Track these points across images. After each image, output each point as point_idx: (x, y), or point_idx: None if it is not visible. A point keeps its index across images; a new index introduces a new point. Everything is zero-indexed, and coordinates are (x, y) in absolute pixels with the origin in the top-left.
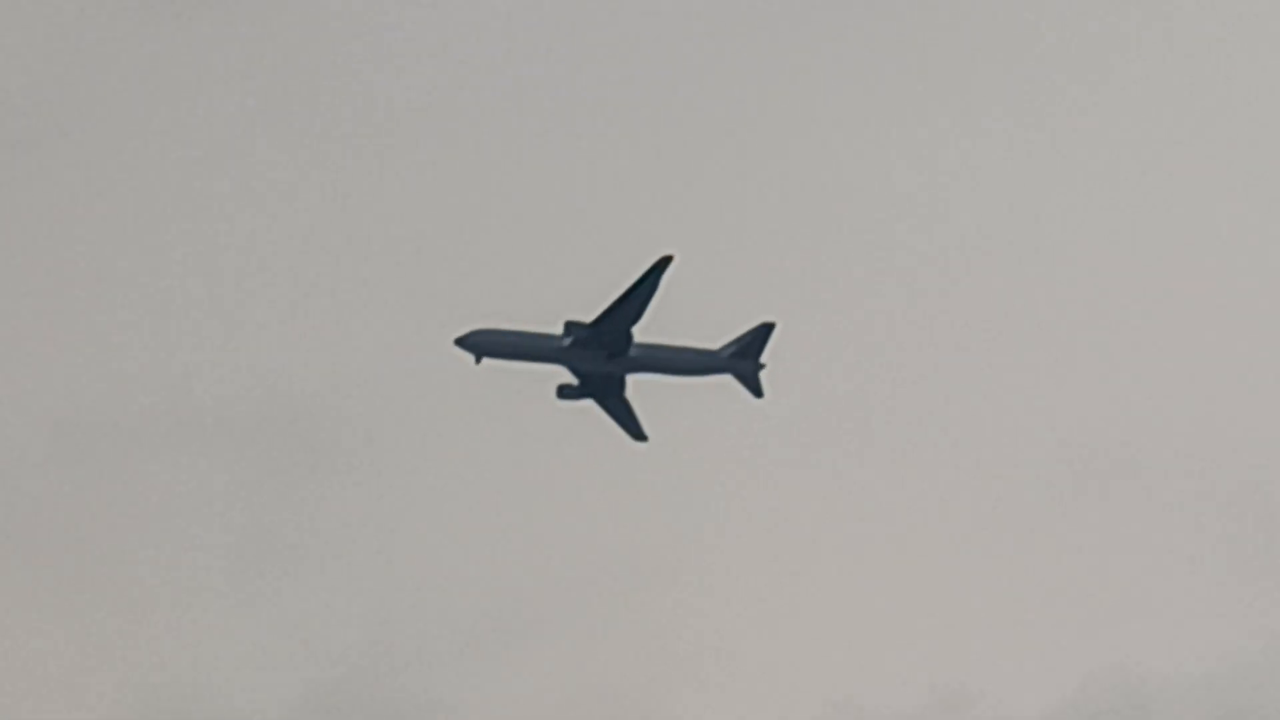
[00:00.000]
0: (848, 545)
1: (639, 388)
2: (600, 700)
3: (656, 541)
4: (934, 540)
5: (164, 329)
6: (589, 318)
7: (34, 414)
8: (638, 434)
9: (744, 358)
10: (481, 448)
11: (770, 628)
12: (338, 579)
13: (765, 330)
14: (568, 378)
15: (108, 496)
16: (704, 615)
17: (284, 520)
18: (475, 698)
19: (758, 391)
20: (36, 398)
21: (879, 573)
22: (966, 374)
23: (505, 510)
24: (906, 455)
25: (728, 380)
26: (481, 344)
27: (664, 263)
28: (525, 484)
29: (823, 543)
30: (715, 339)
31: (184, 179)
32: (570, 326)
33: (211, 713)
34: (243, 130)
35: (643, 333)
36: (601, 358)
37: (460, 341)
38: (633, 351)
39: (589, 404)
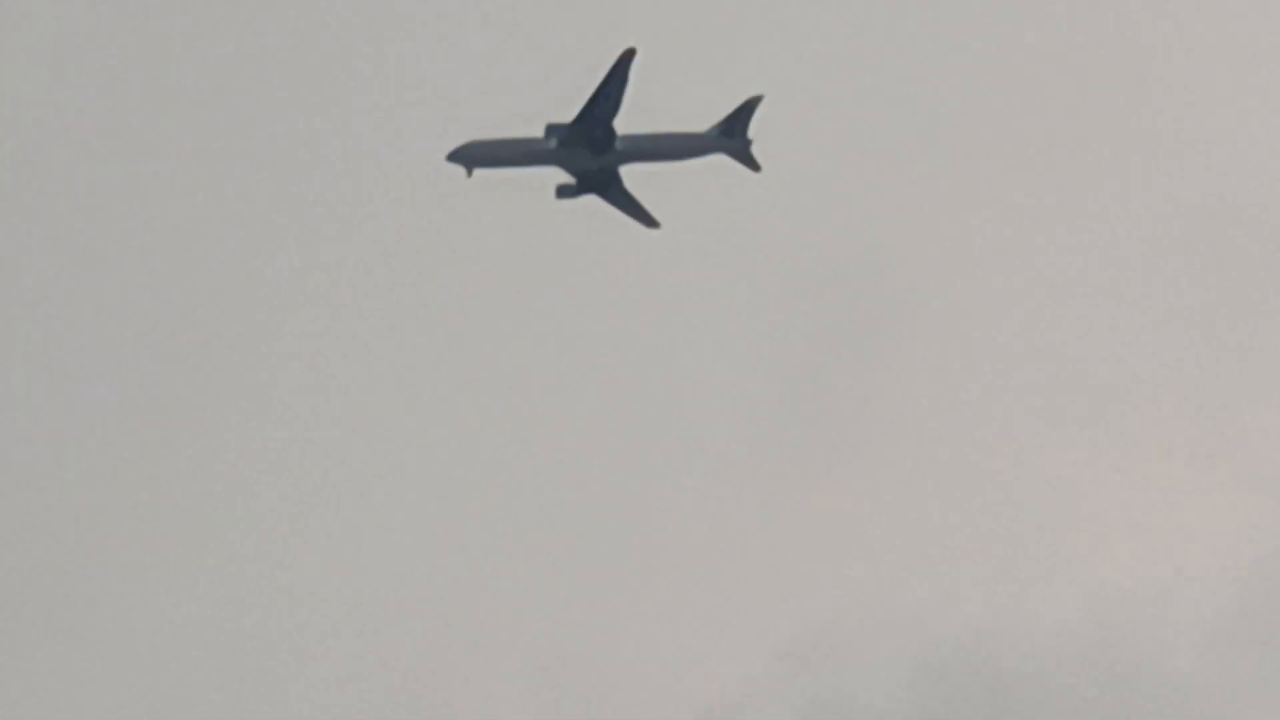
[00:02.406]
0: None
1: (640, 178)
2: None
3: None
4: None
5: None
6: (566, 118)
7: None
8: (649, 221)
9: (731, 135)
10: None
11: None
12: None
13: (751, 105)
14: (562, 178)
15: None
16: None
17: None
18: None
19: (754, 165)
20: None
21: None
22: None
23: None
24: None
25: (721, 160)
26: (472, 156)
27: (627, 55)
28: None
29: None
30: (706, 122)
31: None
32: (551, 129)
33: None
34: None
35: (634, 125)
36: (587, 155)
37: (452, 156)
38: (618, 144)
39: (592, 198)
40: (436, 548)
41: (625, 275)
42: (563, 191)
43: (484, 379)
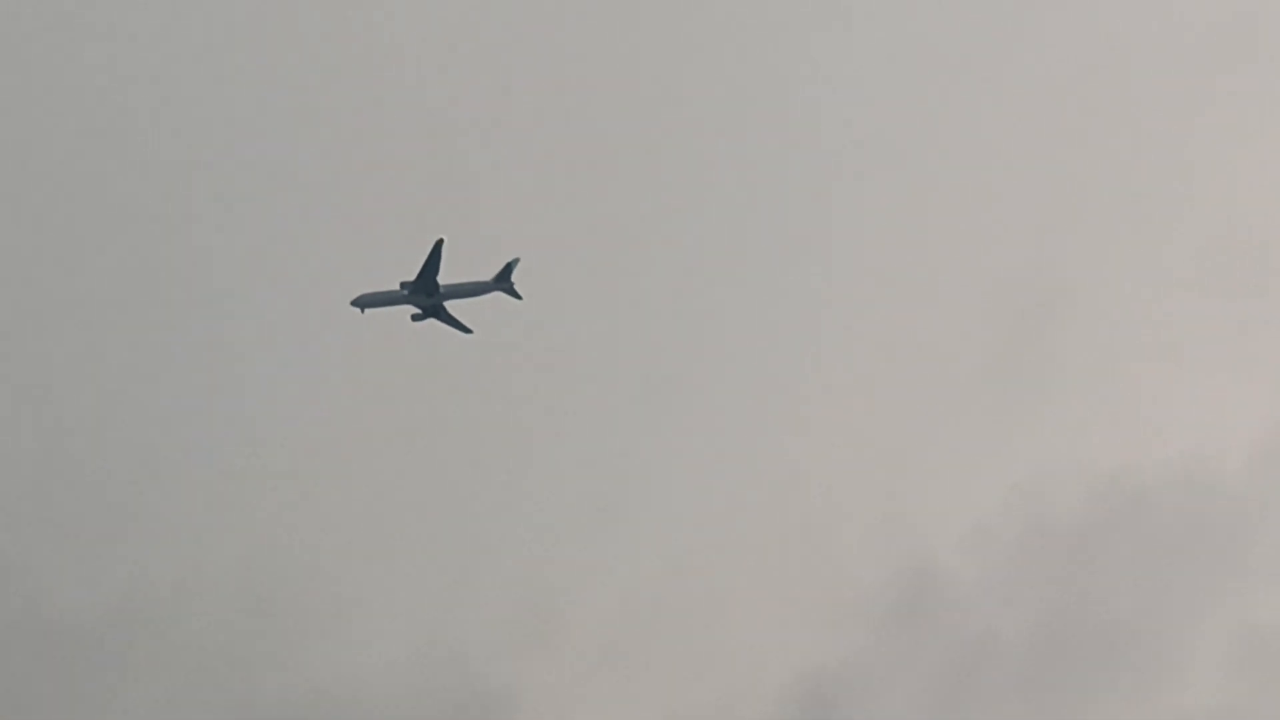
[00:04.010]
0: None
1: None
2: None
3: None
4: None
5: None
6: (411, 278)
7: None
8: (465, 329)
9: (503, 281)
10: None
11: None
12: None
13: (512, 264)
14: (412, 310)
15: None
16: None
17: None
18: None
19: (518, 296)
20: None
21: None
22: None
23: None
24: None
25: (499, 296)
26: (363, 301)
27: (439, 242)
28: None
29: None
30: (488, 274)
31: None
32: (403, 284)
33: None
34: None
35: (450, 277)
36: (424, 297)
37: (353, 302)
38: (441, 290)
39: (432, 321)
40: None
41: (454, 358)
42: (415, 317)
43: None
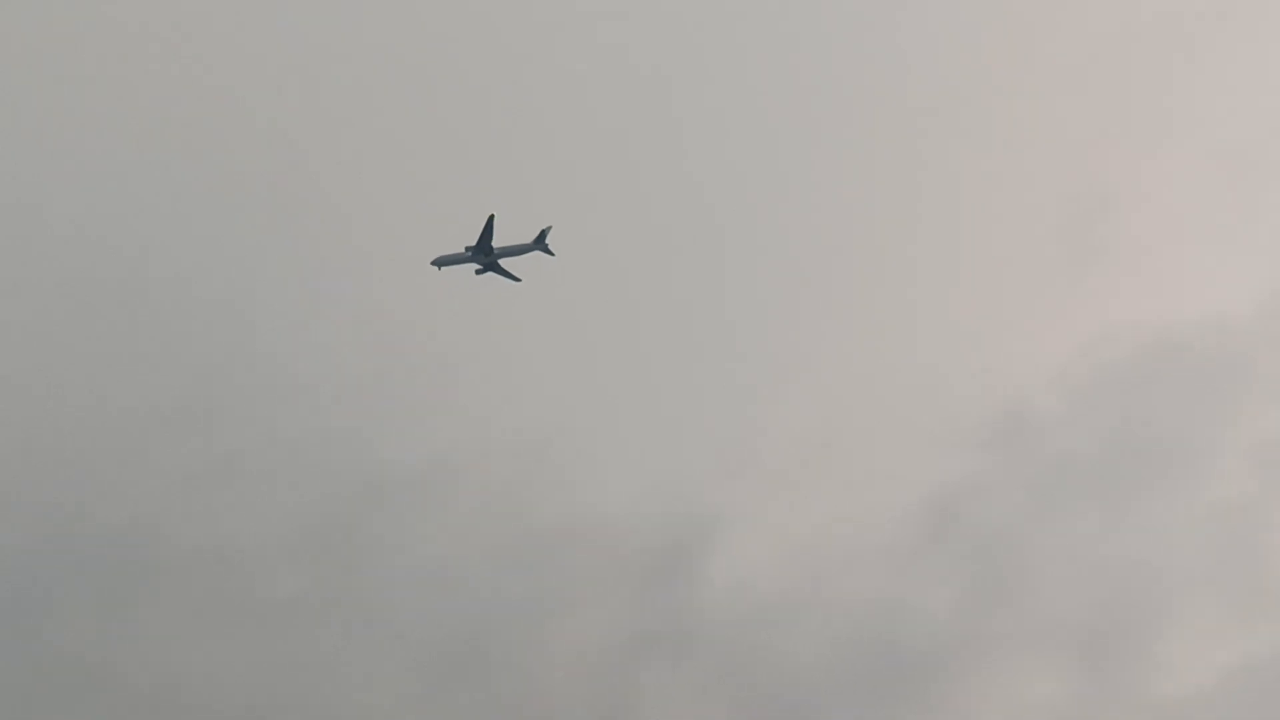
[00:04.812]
0: None
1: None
2: None
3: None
4: None
5: None
6: (473, 242)
7: None
8: (515, 279)
9: (539, 242)
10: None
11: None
12: None
13: (545, 230)
14: (475, 266)
15: None
16: None
17: None
18: None
19: (550, 253)
20: None
21: None
22: None
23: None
24: None
25: (538, 254)
26: (440, 260)
27: (491, 217)
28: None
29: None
30: (528, 237)
31: None
32: (467, 248)
33: None
34: None
35: (501, 240)
36: (483, 258)
37: (432, 262)
38: (495, 251)
39: (490, 274)
40: None
41: (508, 300)
42: (478, 272)
43: None
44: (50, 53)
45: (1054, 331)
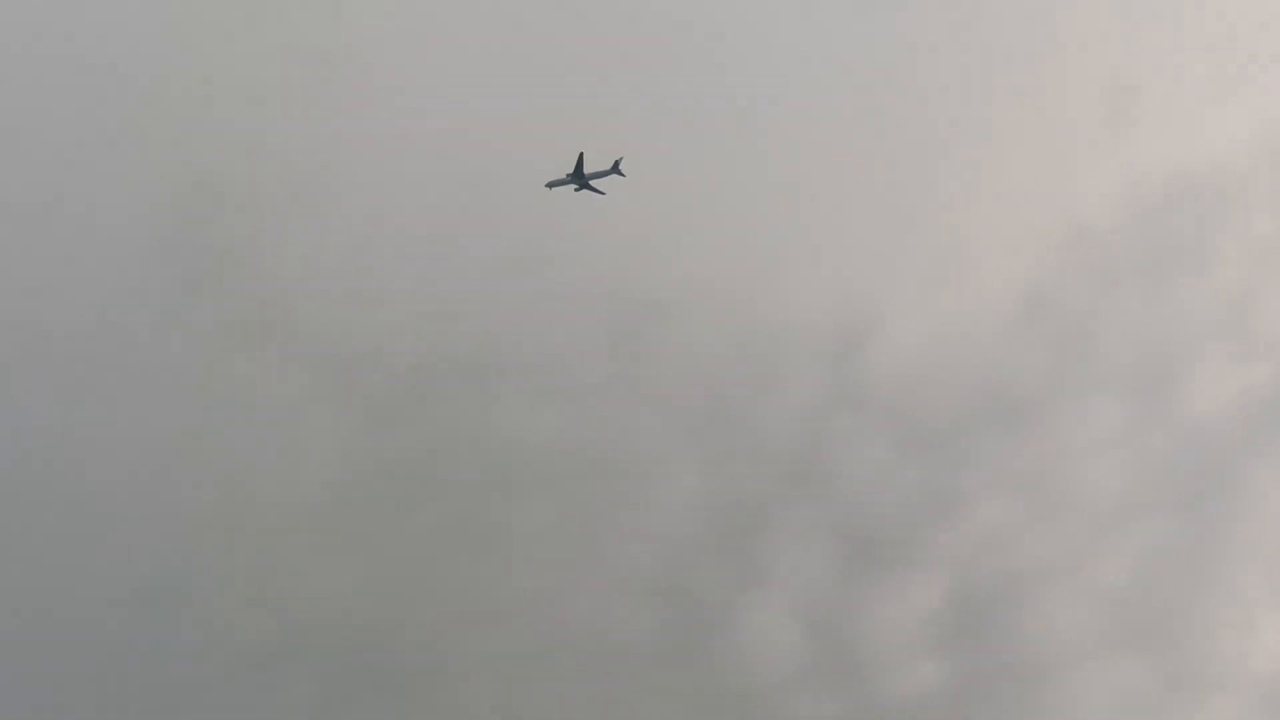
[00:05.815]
0: None
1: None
2: None
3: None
4: None
5: None
6: (570, 171)
7: None
8: (601, 193)
9: (614, 169)
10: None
11: None
12: None
13: (618, 160)
14: (573, 186)
15: None
16: None
17: None
18: None
19: (623, 174)
20: None
21: None
22: None
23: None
24: None
25: (614, 177)
26: (551, 183)
27: (581, 155)
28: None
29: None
30: (605, 165)
31: None
32: (567, 174)
33: None
34: None
35: (589, 167)
36: (577, 178)
37: (546, 185)
38: (586, 175)
39: (585, 192)
40: None
41: (597, 206)
42: (575, 190)
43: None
44: None
45: (1095, 169)
